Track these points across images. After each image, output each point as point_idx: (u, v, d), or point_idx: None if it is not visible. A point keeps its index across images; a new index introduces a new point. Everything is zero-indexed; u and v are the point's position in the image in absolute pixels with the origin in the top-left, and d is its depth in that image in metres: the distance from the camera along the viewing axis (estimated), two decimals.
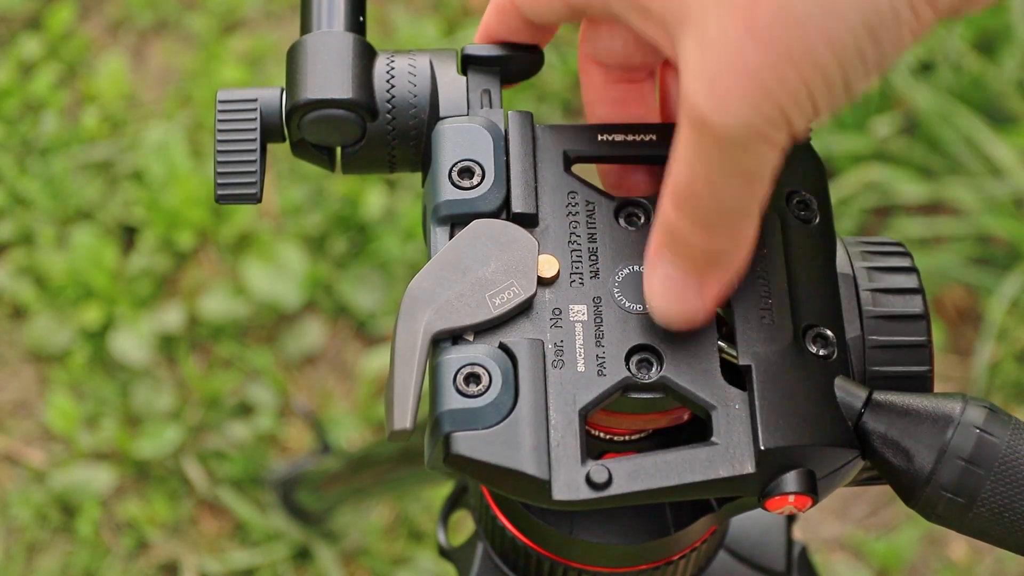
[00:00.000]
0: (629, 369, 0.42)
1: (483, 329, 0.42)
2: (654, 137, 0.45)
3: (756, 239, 0.41)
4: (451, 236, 0.44)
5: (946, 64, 1.37)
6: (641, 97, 0.46)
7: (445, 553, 0.57)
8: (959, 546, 1.27)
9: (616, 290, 0.43)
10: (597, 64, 0.46)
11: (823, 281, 0.44)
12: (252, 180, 0.46)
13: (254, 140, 0.47)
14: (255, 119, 0.47)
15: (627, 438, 0.45)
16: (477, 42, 0.47)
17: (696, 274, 0.41)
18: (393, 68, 0.47)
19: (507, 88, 0.47)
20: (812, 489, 0.41)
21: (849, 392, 0.42)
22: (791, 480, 0.41)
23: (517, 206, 0.44)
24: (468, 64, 0.47)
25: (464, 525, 0.67)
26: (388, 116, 0.47)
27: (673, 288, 0.41)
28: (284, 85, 0.47)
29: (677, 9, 0.37)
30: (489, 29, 0.46)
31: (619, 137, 0.45)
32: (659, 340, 0.42)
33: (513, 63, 0.46)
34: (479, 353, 0.41)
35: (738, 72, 0.35)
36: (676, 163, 0.39)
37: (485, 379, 0.41)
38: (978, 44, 1.39)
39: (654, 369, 0.42)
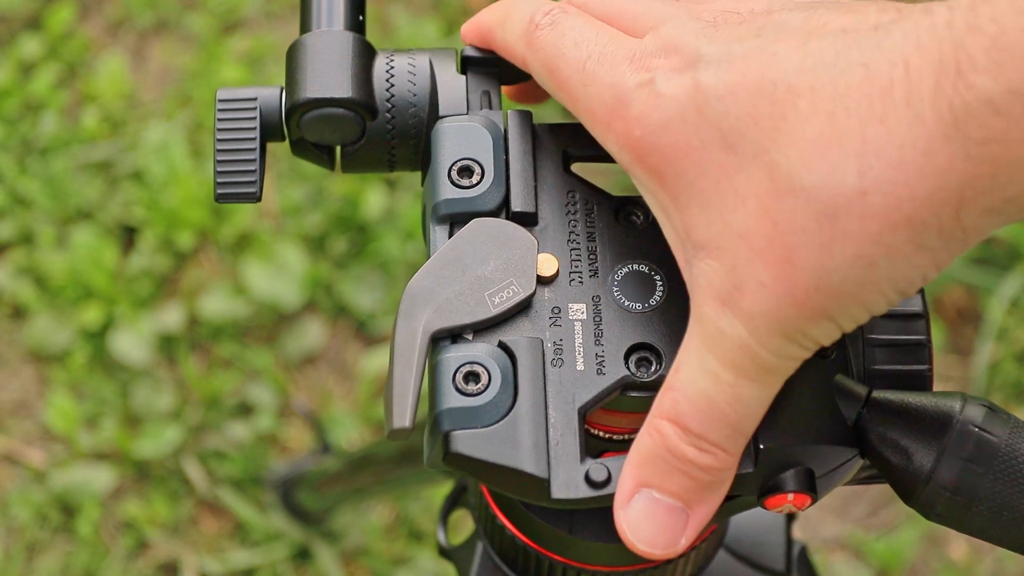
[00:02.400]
0: (628, 368, 0.42)
1: (482, 328, 0.42)
2: None
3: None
4: (450, 235, 0.44)
5: None
6: None
7: (445, 552, 0.57)
8: (959, 546, 1.27)
9: (615, 289, 0.43)
10: None
11: None
12: (252, 179, 0.46)
13: (254, 139, 0.47)
14: (255, 118, 0.47)
15: (626, 437, 0.45)
16: (466, 32, 0.47)
17: (692, 498, 0.40)
18: (393, 67, 0.47)
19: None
20: (811, 488, 0.41)
21: (848, 391, 0.42)
22: (790, 479, 0.41)
23: (516, 205, 0.44)
24: (467, 64, 0.47)
25: (464, 525, 0.67)
26: (387, 115, 0.47)
27: (660, 519, 0.40)
28: (284, 84, 0.47)
29: (701, 229, 0.38)
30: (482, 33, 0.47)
31: None
32: (658, 339, 0.42)
33: (512, 64, 0.46)
34: (478, 352, 0.41)
35: (779, 320, 0.37)
36: (690, 380, 0.39)
37: (484, 378, 0.41)
38: None
39: (653, 368, 0.42)
